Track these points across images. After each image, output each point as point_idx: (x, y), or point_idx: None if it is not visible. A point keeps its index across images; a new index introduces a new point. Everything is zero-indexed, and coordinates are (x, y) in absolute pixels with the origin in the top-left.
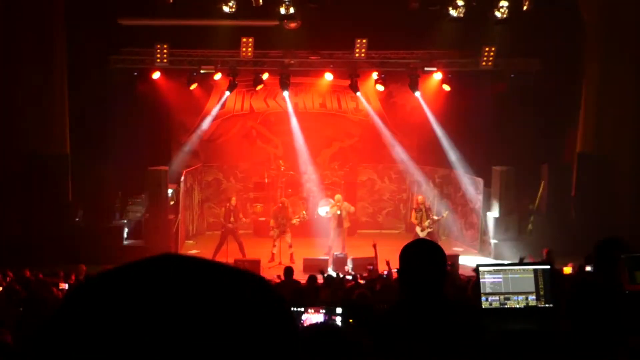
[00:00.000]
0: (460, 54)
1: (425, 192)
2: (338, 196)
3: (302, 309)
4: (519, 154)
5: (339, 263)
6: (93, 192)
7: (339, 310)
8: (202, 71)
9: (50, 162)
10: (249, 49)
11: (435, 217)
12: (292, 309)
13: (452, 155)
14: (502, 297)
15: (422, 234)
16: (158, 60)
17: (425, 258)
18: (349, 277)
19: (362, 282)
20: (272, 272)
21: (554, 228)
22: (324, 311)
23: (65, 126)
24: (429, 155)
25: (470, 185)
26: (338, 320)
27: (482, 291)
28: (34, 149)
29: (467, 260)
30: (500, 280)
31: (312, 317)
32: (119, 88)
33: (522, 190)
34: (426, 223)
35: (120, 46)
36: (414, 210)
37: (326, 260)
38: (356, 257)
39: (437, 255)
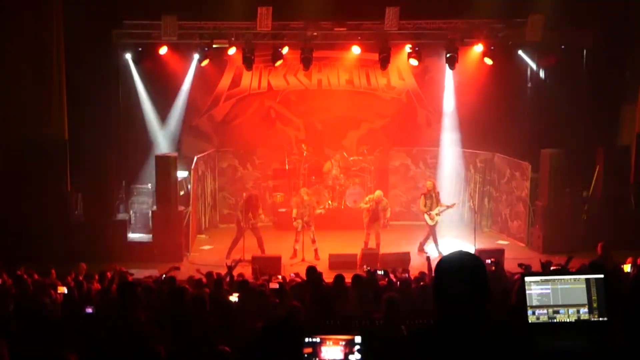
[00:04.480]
0: (504, 23)
1: (467, 178)
2: (379, 192)
3: (319, 340)
4: (571, 136)
5: (369, 259)
6: (94, 182)
7: (358, 339)
8: (214, 45)
9: (46, 148)
10: (267, 20)
11: (444, 205)
12: (307, 339)
13: (496, 137)
14: (550, 310)
15: (431, 223)
16: (165, 34)
17: (461, 276)
18: (381, 273)
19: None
20: (294, 270)
21: (611, 218)
22: (343, 343)
23: (63, 108)
24: (470, 137)
25: (516, 171)
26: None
27: (528, 304)
28: (28, 134)
29: (513, 254)
30: (549, 291)
31: (330, 350)
32: (122, 65)
33: (575, 176)
34: (435, 211)
35: (123, 19)
36: (423, 196)
37: (354, 256)
38: (387, 253)
39: (475, 272)
